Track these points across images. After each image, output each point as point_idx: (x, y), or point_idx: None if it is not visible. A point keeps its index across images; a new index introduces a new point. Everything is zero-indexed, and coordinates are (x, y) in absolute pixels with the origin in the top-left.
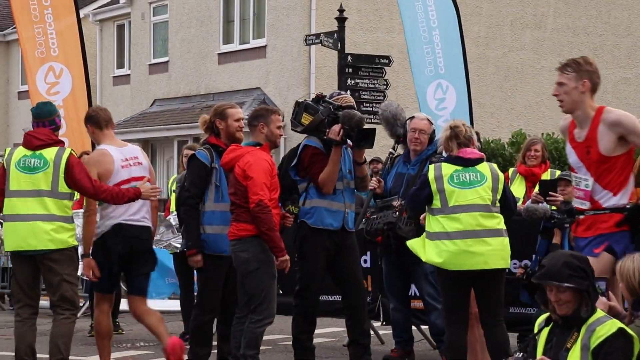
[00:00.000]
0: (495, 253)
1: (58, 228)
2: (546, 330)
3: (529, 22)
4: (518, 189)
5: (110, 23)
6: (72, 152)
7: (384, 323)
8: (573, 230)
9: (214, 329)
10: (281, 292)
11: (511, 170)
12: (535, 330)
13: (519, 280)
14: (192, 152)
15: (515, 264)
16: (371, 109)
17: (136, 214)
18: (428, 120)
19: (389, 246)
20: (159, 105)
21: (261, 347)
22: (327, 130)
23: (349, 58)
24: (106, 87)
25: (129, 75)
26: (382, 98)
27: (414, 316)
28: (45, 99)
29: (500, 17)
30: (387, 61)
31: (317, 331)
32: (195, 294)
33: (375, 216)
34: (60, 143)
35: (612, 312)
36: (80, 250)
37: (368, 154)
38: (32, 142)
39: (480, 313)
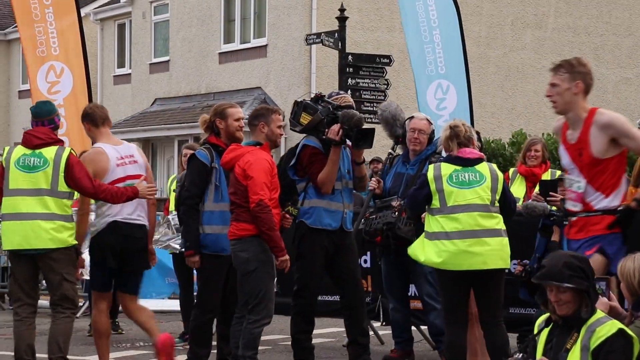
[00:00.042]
0: (494, 253)
1: (59, 227)
2: (546, 331)
3: (530, 21)
4: (518, 189)
5: (111, 22)
6: (72, 151)
7: (384, 323)
8: (565, 233)
9: (214, 329)
10: (280, 292)
11: (511, 170)
12: (535, 331)
13: (517, 278)
14: (192, 151)
15: (515, 264)
16: (372, 109)
17: (132, 212)
18: (427, 120)
19: (388, 246)
20: (159, 105)
21: (261, 347)
22: (326, 130)
23: (350, 57)
24: (107, 86)
25: (129, 74)
26: (382, 98)
27: (414, 316)
28: (46, 98)
29: (501, 16)
30: (388, 61)
31: (316, 331)
32: (195, 294)
33: (374, 216)
34: (60, 142)
35: (612, 313)
36: None
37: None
38: (32, 141)
39: (479, 313)
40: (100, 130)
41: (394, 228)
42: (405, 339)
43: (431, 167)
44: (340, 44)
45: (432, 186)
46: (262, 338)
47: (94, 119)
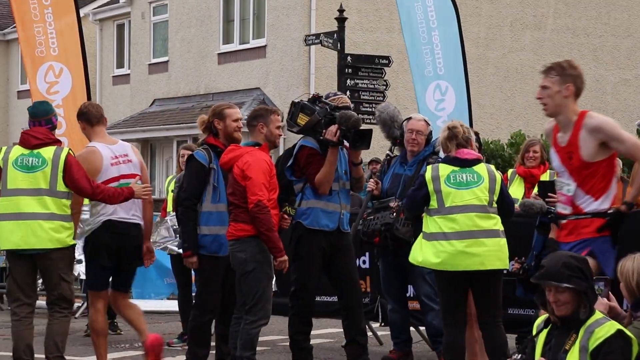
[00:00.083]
0: (491, 254)
1: (58, 227)
2: (545, 332)
3: (529, 22)
4: (517, 190)
5: (110, 22)
6: (70, 151)
7: (383, 324)
8: (557, 235)
9: (213, 330)
10: (278, 291)
11: (510, 171)
12: (534, 332)
13: (514, 275)
14: (189, 152)
15: (513, 265)
16: (371, 110)
17: (126, 211)
18: (425, 121)
19: (386, 247)
20: (158, 105)
21: (260, 348)
22: (324, 130)
23: (349, 58)
24: (106, 87)
25: (128, 74)
26: (381, 98)
27: (412, 317)
28: (45, 99)
29: (500, 17)
30: (387, 61)
31: (314, 332)
32: (194, 294)
33: (372, 217)
34: (58, 142)
35: (612, 313)
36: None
37: (367, 155)
38: (30, 141)
39: (478, 314)
40: (94, 129)
41: (392, 229)
42: (404, 339)
43: (429, 168)
44: (339, 45)
45: (430, 187)
46: (261, 339)
47: (88, 118)
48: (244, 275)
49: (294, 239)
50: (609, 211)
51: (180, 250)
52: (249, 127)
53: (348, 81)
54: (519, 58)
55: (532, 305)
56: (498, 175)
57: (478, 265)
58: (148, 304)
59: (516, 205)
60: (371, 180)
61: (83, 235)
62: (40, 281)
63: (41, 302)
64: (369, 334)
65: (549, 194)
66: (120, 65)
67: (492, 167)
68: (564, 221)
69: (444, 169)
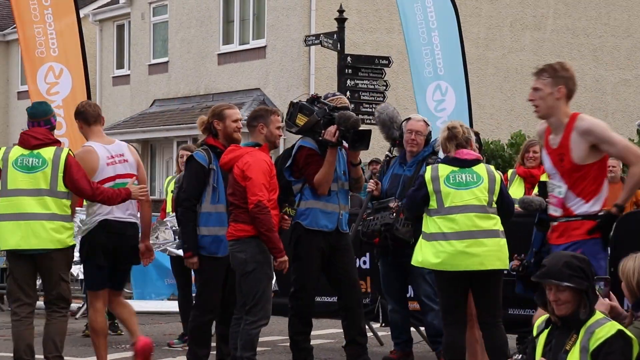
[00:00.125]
0: (491, 254)
1: (59, 227)
2: (545, 332)
3: (529, 23)
4: (517, 190)
5: (110, 23)
6: (70, 152)
7: (383, 324)
8: (548, 238)
9: (213, 330)
10: (279, 292)
11: (510, 171)
12: (535, 333)
13: (514, 271)
14: (188, 152)
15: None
16: (371, 110)
17: (122, 210)
18: (424, 121)
19: (386, 247)
20: (158, 106)
21: (260, 348)
22: (323, 131)
23: (349, 59)
24: (106, 87)
25: (128, 75)
26: (381, 99)
27: (413, 317)
28: (45, 99)
29: (500, 18)
30: (387, 62)
31: (315, 332)
32: (194, 295)
33: (371, 217)
34: (58, 143)
35: (613, 313)
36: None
37: (367, 155)
38: (30, 142)
39: (478, 314)
40: (92, 129)
41: (391, 229)
42: (405, 340)
43: (429, 168)
44: (339, 45)
45: (430, 187)
46: (261, 339)
47: (85, 117)
48: (244, 276)
49: (292, 239)
50: (599, 213)
51: (180, 252)
52: (249, 127)
53: (348, 82)
54: (519, 58)
55: (532, 305)
56: (498, 175)
57: (478, 265)
58: (149, 305)
59: (516, 206)
60: (371, 180)
61: (79, 235)
62: (39, 281)
63: (41, 302)
64: (370, 334)
65: (549, 194)
66: (120, 65)
67: (492, 167)
68: (554, 223)
69: (444, 169)
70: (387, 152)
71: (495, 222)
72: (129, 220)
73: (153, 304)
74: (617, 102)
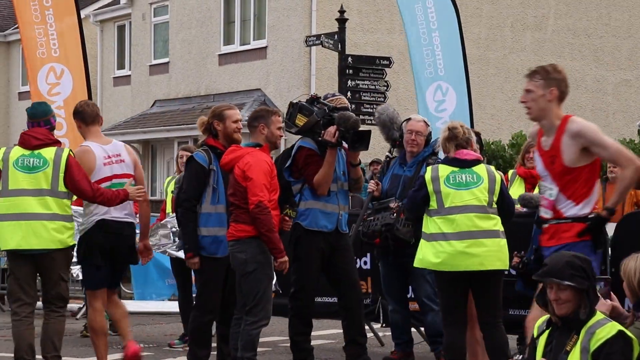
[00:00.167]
0: (491, 254)
1: (60, 227)
2: (546, 333)
3: (530, 23)
4: (518, 190)
5: (110, 24)
6: (71, 152)
7: (384, 325)
8: (539, 240)
9: (214, 330)
10: (279, 292)
11: (510, 172)
12: (535, 333)
13: (514, 269)
14: (188, 153)
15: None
16: (372, 110)
17: (119, 210)
18: (424, 122)
19: (387, 247)
20: (159, 106)
21: (261, 349)
22: (322, 131)
23: (350, 59)
24: (107, 88)
25: (129, 76)
26: (382, 99)
27: (414, 318)
28: (46, 100)
29: (500, 18)
30: (388, 62)
31: (315, 333)
32: (194, 295)
33: (372, 218)
34: (58, 143)
35: (614, 313)
36: None
37: (368, 156)
38: (31, 142)
39: (478, 314)
40: (89, 129)
41: (392, 229)
42: (405, 340)
43: (429, 168)
44: (340, 46)
45: (430, 187)
46: (262, 339)
47: (83, 117)
48: (244, 276)
49: (292, 239)
50: (589, 216)
51: (179, 254)
52: (250, 128)
53: (349, 82)
54: (520, 59)
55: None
56: (498, 175)
57: (478, 265)
58: (149, 305)
59: (517, 206)
60: (372, 181)
61: (76, 234)
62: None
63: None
64: (370, 334)
65: (541, 195)
66: (121, 66)
67: (492, 167)
68: (545, 225)
69: (444, 170)
70: (387, 153)
71: (495, 223)
72: (126, 220)
73: (154, 304)
74: (618, 102)
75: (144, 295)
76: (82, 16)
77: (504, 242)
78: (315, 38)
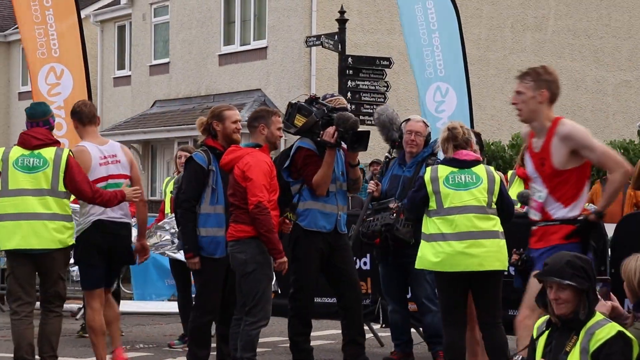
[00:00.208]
0: (490, 255)
1: (60, 227)
2: (546, 334)
3: (530, 24)
4: (517, 191)
5: (111, 24)
6: (71, 152)
7: (384, 325)
8: (529, 243)
9: (213, 331)
10: (280, 292)
11: (510, 172)
12: (535, 334)
13: (512, 266)
14: (186, 153)
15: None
16: (372, 111)
17: (115, 211)
18: (424, 122)
19: (386, 248)
20: (159, 107)
21: (261, 349)
22: (321, 132)
23: (350, 60)
24: (107, 88)
25: (129, 76)
26: (382, 100)
27: (413, 318)
28: (46, 100)
29: (501, 19)
30: (388, 63)
31: (315, 333)
32: (193, 295)
33: (371, 218)
34: (57, 143)
35: (614, 313)
36: None
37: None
38: (31, 142)
39: (478, 315)
40: (86, 129)
41: (392, 229)
42: (405, 340)
43: (428, 169)
44: (340, 46)
45: (429, 188)
46: (262, 340)
47: (80, 117)
48: (244, 277)
49: (291, 240)
50: (578, 218)
51: (177, 256)
52: (250, 128)
53: (349, 82)
54: (520, 59)
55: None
56: (497, 176)
57: (477, 266)
58: (149, 305)
59: (517, 207)
60: (371, 182)
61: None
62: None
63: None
64: (370, 335)
65: (530, 197)
66: (121, 66)
67: (492, 168)
68: (534, 227)
69: (443, 170)
70: (386, 154)
71: (494, 223)
72: (122, 221)
73: (154, 304)
74: (618, 103)
75: (144, 295)
76: (83, 16)
77: (503, 242)
78: (315, 38)
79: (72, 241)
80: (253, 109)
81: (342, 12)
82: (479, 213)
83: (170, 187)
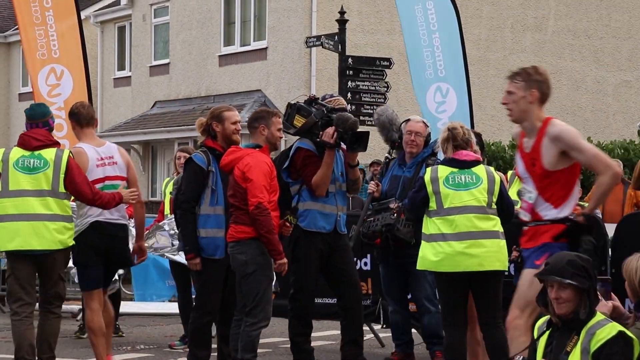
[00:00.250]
0: (490, 255)
1: (61, 228)
2: (546, 334)
3: (530, 24)
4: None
5: (111, 25)
6: (71, 153)
7: (384, 326)
8: (519, 243)
9: (213, 331)
10: (279, 293)
11: (510, 172)
12: (536, 334)
13: (512, 263)
14: (185, 154)
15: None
16: (372, 111)
17: (113, 212)
18: (423, 122)
19: (387, 248)
20: (159, 107)
21: (261, 350)
22: (321, 132)
23: (350, 60)
24: (107, 89)
25: (129, 77)
26: (382, 100)
27: (414, 318)
28: (46, 101)
29: (501, 19)
30: (388, 63)
31: (316, 334)
32: (193, 296)
33: (372, 218)
34: (58, 144)
35: (615, 313)
36: None
37: (368, 157)
38: (31, 143)
39: (478, 315)
40: (83, 131)
41: (393, 230)
42: (405, 341)
43: (428, 169)
44: (340, 47)
45: (429, 188)
46: (262, 340)
47: (78, 119)
48: (244, 277)
49: (291, 241)
50: (569, 217)
51: (177, 257)
52: (250, 129)
53: (349, 83)
54: (520, 60)
55: None
56: (497, 176)
57: (477, 266)
58: (150, 306)
59: (517, 207)
60: (372, 182)
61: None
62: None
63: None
64: (371, 335)
65: (521, 198)
66: (121, 67)
67: (492, 168)
68: (525, 228)
69: (443, 171)
70: (386, 154)
71: (494, 223)
72: (119, 222)
73: (154, 305)
74: (618, 103)
75: (145, 296)
76: (83, 17)
77: (503, 242)
78: (315, 39)
79: (72, 242)
80: (253, 109)
81: (342, 12)
82: (479, 213)
83: (170, 188)
